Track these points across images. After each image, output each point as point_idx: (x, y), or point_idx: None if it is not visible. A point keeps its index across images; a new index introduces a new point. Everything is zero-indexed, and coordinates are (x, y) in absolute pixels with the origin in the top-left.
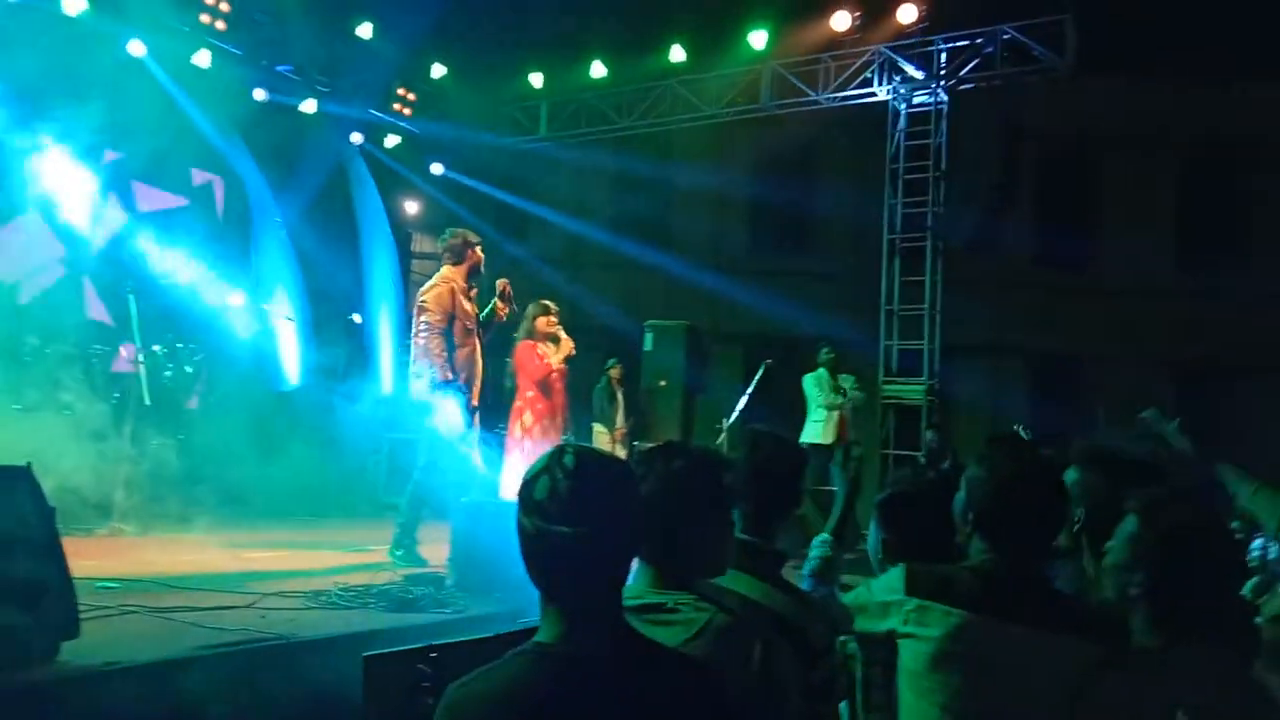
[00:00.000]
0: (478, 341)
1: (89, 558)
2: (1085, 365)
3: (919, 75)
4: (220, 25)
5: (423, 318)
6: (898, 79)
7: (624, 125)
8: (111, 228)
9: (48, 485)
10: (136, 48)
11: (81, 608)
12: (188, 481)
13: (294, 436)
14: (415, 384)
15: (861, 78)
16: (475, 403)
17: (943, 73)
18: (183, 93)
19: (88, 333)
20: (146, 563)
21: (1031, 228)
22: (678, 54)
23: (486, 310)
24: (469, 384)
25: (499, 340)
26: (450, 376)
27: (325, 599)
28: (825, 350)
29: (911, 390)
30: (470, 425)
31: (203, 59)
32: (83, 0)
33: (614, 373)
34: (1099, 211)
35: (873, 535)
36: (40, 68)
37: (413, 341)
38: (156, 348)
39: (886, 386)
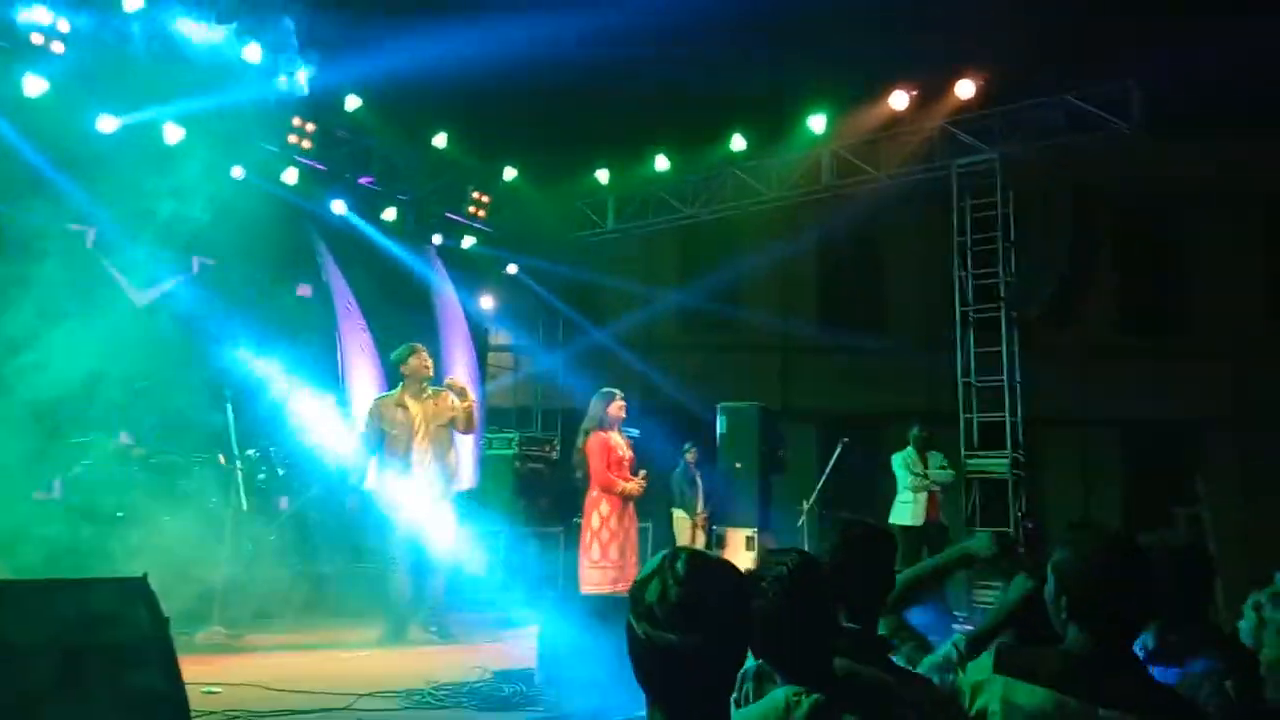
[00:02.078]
0: (414, 444)
1: (193, 662)
2: (1181, 432)
3: (981, 146)
4: (306, 144)
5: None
6: (959, 152)
7: (689, 213)
8: (211, 337)
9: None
10: (237, 171)
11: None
12: (282, 583)
13: (379, 534)
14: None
15: (922, 154)
16: (418, 497)
17: (1003, 143)
18: (272, 208)
19: (188, 439)
20: (246, 666)
21: (1111, 290)
22: (739, 143)
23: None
24: (406, 485)
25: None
26: (370, 485)
27: (419, 699)
28: (916, 428)
29: (995, 464)
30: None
31: (291, 176)
32: (180, 129)
33: (690, 456)
34: (1180, 269)
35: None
36: (145, 188)
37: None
38: (251, 452)
39: (970, 460)
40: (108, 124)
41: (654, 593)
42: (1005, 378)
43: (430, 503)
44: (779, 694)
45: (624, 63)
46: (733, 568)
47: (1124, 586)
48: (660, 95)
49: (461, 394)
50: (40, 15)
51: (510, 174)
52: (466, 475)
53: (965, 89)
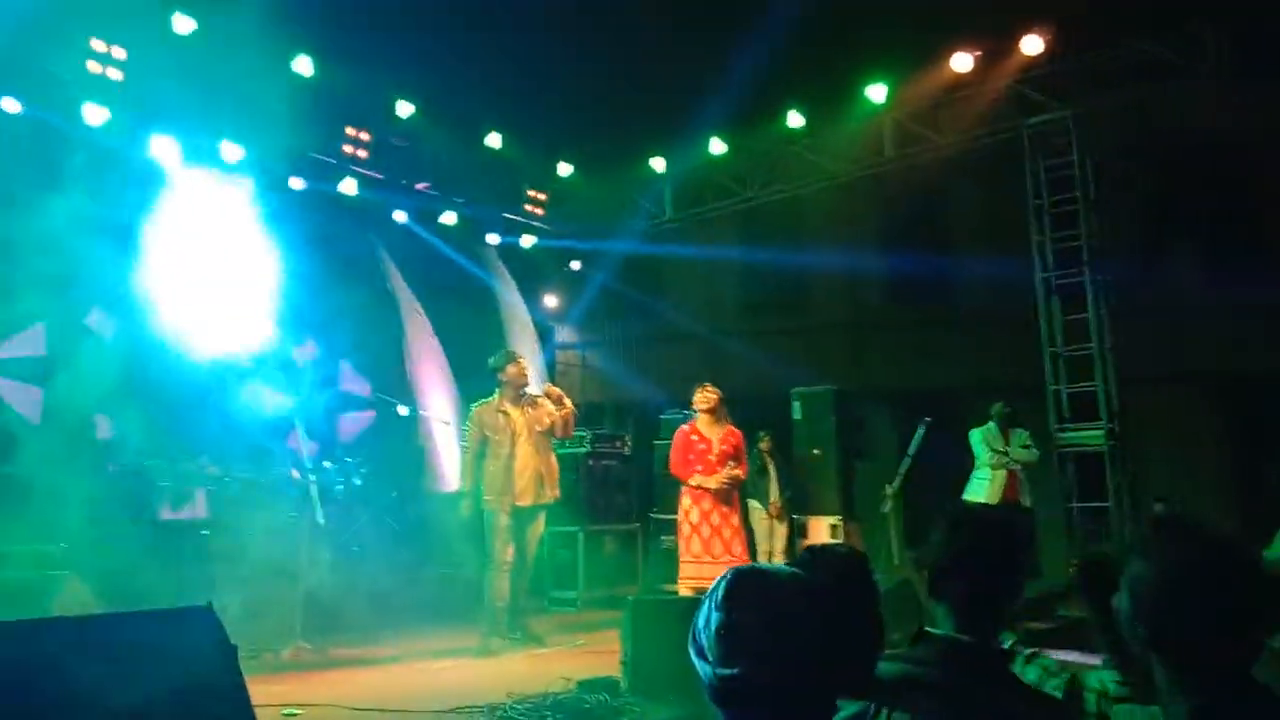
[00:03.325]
0: (508, 446)
1: (275, 682)
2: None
3: (1051, 104)
4: (362, 154)
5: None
6: (1028, 111)
7: (748, 196)
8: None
9: (234, 610)
10: (296, 183)
11: None
12: (364, 595)
13: (460, 539)
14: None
15: (989, 115)
16: (519, 503)
17: (1076, 98)
18: (331, 219)
19: (259, 456)
20: (329, 683)
21: (1199, 244)
22: (795, 119)
23: (547, 424)
24: (505, 488)
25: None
26: (465, 488)
27: (502, 713)
28: (999, 405)
29: (1090, 436)
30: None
31: (349, 186)
32: (240, 149)
33: (764, 445)
34: (1269, 217)
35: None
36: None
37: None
38: (327, 464)
39: (1060, 434)
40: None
41: (702, 619)
42: (1095, 344)
43: (529, 508)
44: None
45: (671, 46)
46: (784, 586)
47: (1223, 614)
48: (711, 76)
49: (559, 401)
50: (97, 44)
51: (565, 169)
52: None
53: (1032, 45)
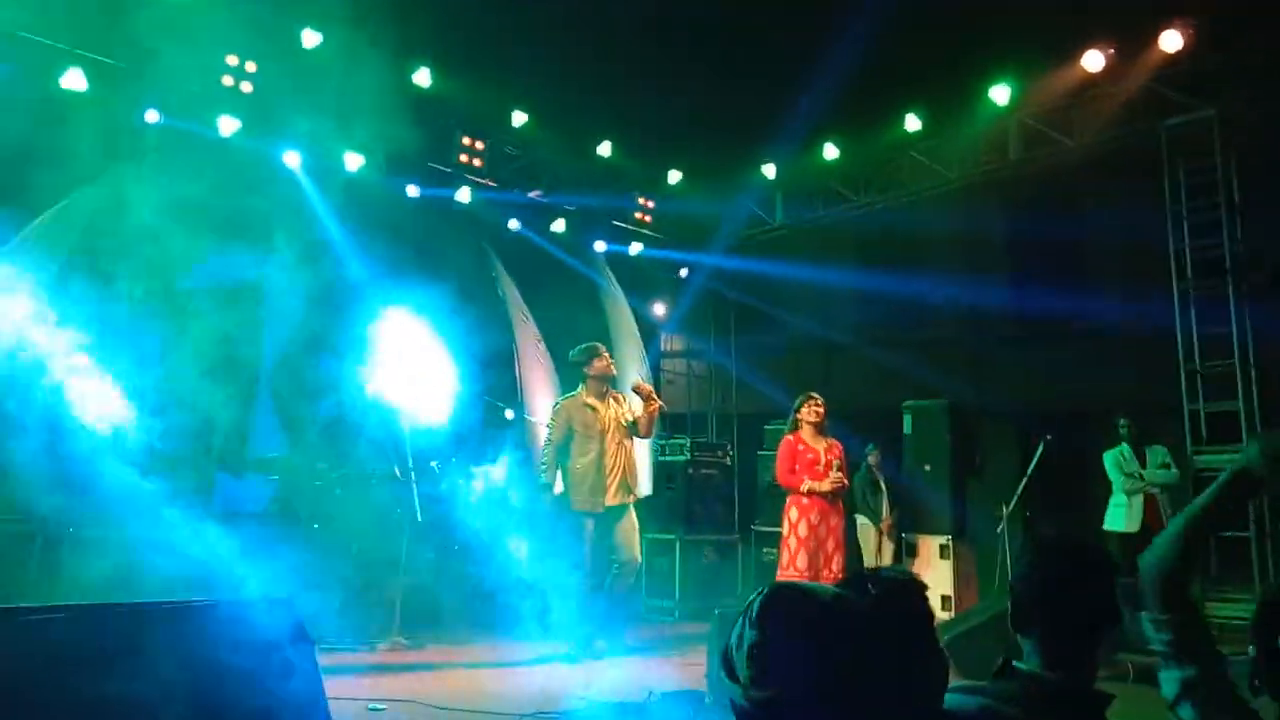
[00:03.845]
0: (598, 443)
1: (366, 675)
2: None
3: (1193, 103)
4: (477, 163)
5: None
6: (1167, 111)
7: (862, 202)
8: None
9: (331, 601)
10: (412, 190)
11: None
12: (465, 594)
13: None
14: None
15: (1123, 116)
16: (610, 502)
17: (1220, 97)
18: (447, 227)
19: (365, 453)
20: (417, 680)
21: None
22: (913, 123)
23: (629, 422)
24: (596, 487)
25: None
26: (548, 480)
27: None
28: (1123, 423)
29: (1230, 459)
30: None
31: (464, 195)
32: (360, 157)
33: (872, 459)
34: None
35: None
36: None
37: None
38: (434, 464)
39: (1198, 457)
40: (291, 159)
41: (734, 636)
42: (1237, 361)
43: (618, 507)
44: None
45: (782, 49)
46: (823, 605)
47: None
48: (824, 79)
49: (648, 397)
50: (231, 59)
51: (675, 177)
52: (643, 480)
53: (1171, 41)
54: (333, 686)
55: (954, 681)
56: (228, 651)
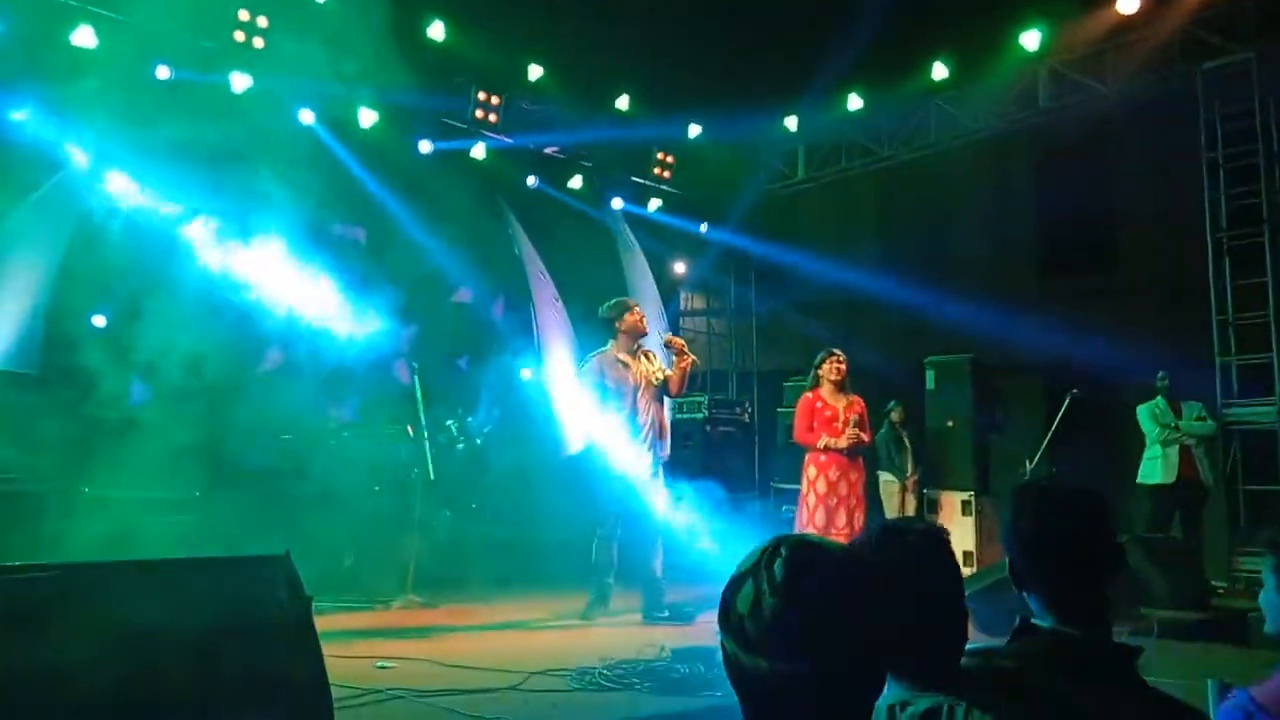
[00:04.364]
0: (633, 399)
1: (378, 633)
2: None
3: (1231, 46)
4: (492, 118)
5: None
6: (1204, 54)
7: (887, 155)
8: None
9: (349, 561)
10: (424, 146)
11: (354, 691)
12: (478, 552)
13: (577, 504)
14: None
15: (1158, 61)
16: (645, 459)
17: (1260, 38)
18: (463, 183)
19: (377, 410)
20: (430, 638)
21: None
22: (940, 71)
23: (660, 380)
24: (632, 443)
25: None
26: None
27: (590, 679)
28: (1161, 375)
29: (1261, 412)
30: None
31: (479, 151)
32: (374, 114)
33: (895, 416)
34: None
35: (1270, 588)
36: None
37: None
38: (450, 423)
39: (1228, 410)
40: (306, 116)
41: (745, 601)
42: (1271, 313)
43: (647, 467)
44: (880, 703)
45: None
46: (854, 564)
47: None
48: (848, 27)
49: (680, 352)
50: (243, 14)
51: (695, 131)
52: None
53: None
54: (341, 645)
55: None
56: (218, 609)
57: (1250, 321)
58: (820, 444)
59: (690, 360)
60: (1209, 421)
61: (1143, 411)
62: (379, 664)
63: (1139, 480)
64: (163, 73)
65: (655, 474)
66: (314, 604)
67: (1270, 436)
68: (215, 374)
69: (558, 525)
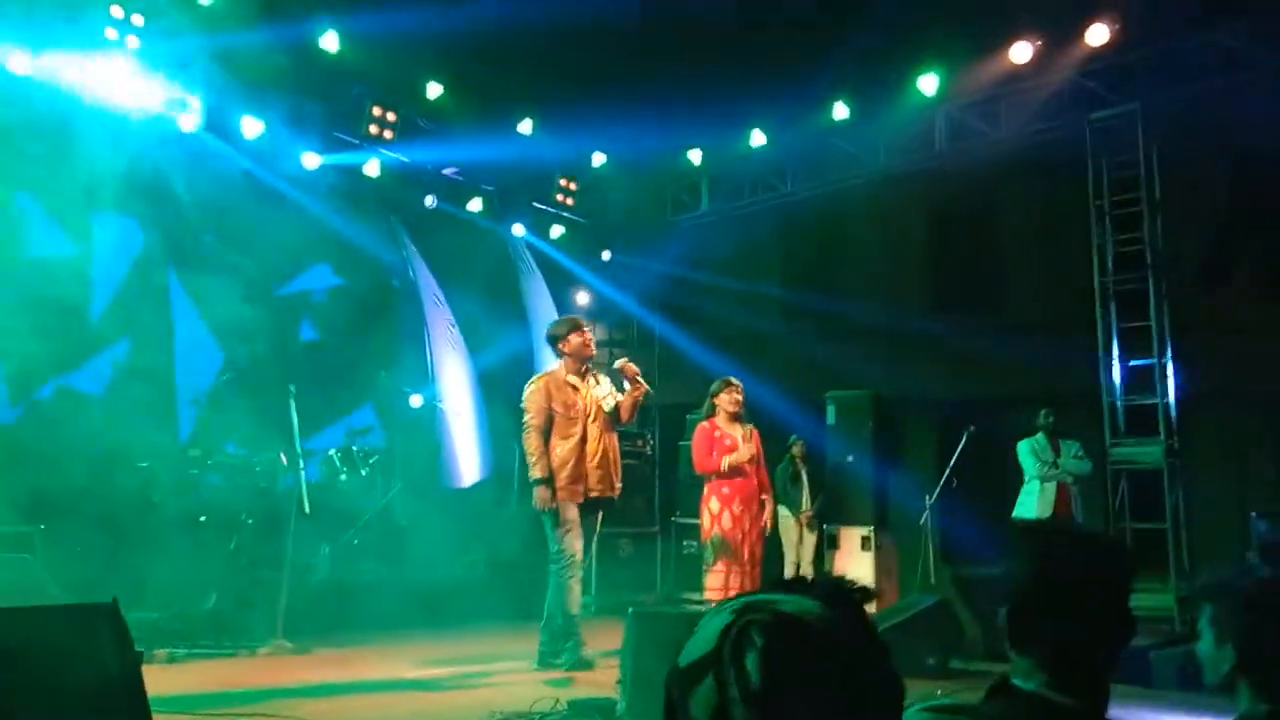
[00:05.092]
0: (589, 431)
1: (237, 682)
2: None
3: (1117, 98)
4: (388, 135)
5: (523, 417)
6: (1092, 105)
7: (788, 191)
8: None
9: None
10: (310, 159)
11: None
12: (356, 592)
13: (470, 537)
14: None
15: (1050, 109)
16: (603, 491)
17: (1145, 92)
18: (353, 200)
19: (248, 440)
20: (294, 695)
21: (1267, 255)
22: (841, 111)
23: (610, 407)
24: (576, 475)
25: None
26: (544, 474)
27: None
28: (1045, 413)
29: (1146, 453)
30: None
31: (373, 168)
32: (259, 124)
33: (796, 450)
34: None
35: (1208, 639)
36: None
37: None
38: (332, 452)
39: (1115, 449)
40: (188, 122)
41: (704, 705)
42: (1155, 356)
43: (596, 500)
44: None
45: (713, 33)
46: (827, 636)
47: None
48: (754, 65)
49: (634, 380)
50: (116, 11)
51: (599, 159)
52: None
53: (1098, 34)
54: (199, 695)
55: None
56: (23, 671)
57: (1136, 364)
58: (724, 464)
59: (644, 389)
60: (1086, 460)
61: (1023, 447)
62: None
63: (1014, 515)
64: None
65: (599, 508)
66: (170, 651)
67: (1156, 475)
68: (50, 389)
69: (447, 563)
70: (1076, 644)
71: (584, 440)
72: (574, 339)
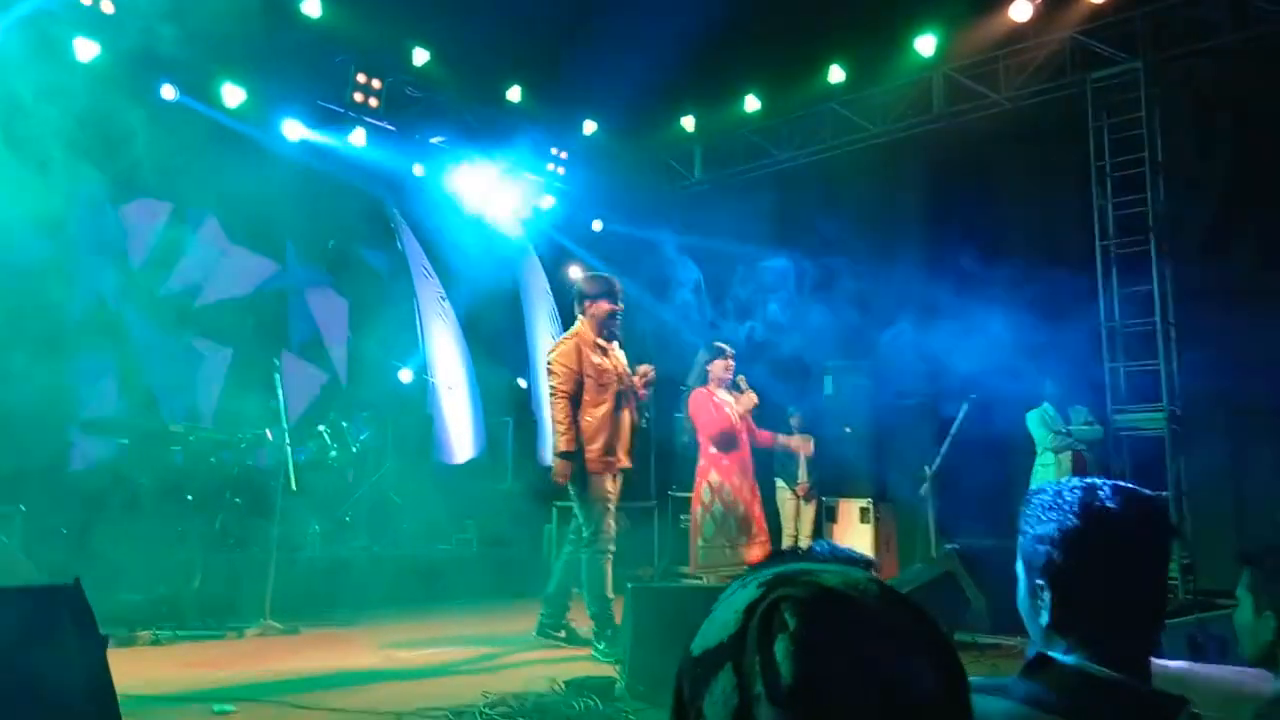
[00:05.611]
0: (617, 398)
1: (224, 665)
2: None
3: (1120, 56)
4: (373, 103)
5: (548, 381)
6: (1093, 64)
7: (784, 157)
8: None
9: (196, 582)
10: (292, 129)
11: None
12: (347, 570)
13: (463, 514)
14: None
15: (1049, 70)
16: (622, 463)
17: (1148, 50)
18: (339, 171)
19: (231, 415)
20: (284, 672)
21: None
22: (836, 74)
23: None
24: (610, 446)
25: (666, 393)
26: (571, 446)
27: (469, 718)
28: (1050, 382)
29: (1150, 419)
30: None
31: (358, 137)
32: (241, 92)
33: (794, 422)
34: None
35: (1247, 608)
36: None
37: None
38: (321, 428)
39: (1118, 416)
40: (168, 92)
41: (721, 704)
42: (1158, 320)
43: (622, 472)
44: None
45: None
46: (880, 617)
47: None
48: (747, 29)
49: (647, 383)
50: None
51: (590, 127)
52: None
53: None
54: (177, 683)
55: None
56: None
57: (1138, 328)
58: (734, 425)
59: (645, 394)
60: (1097, 426)
61: (1032, 417)
62: (218, 708)
63: (1032, 488)
64: None
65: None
66: (154, 633)
67: (1158, 443)
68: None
69: (440, 540)
70: (1126, 618)
71: (616, 409)
72: (603, 305)
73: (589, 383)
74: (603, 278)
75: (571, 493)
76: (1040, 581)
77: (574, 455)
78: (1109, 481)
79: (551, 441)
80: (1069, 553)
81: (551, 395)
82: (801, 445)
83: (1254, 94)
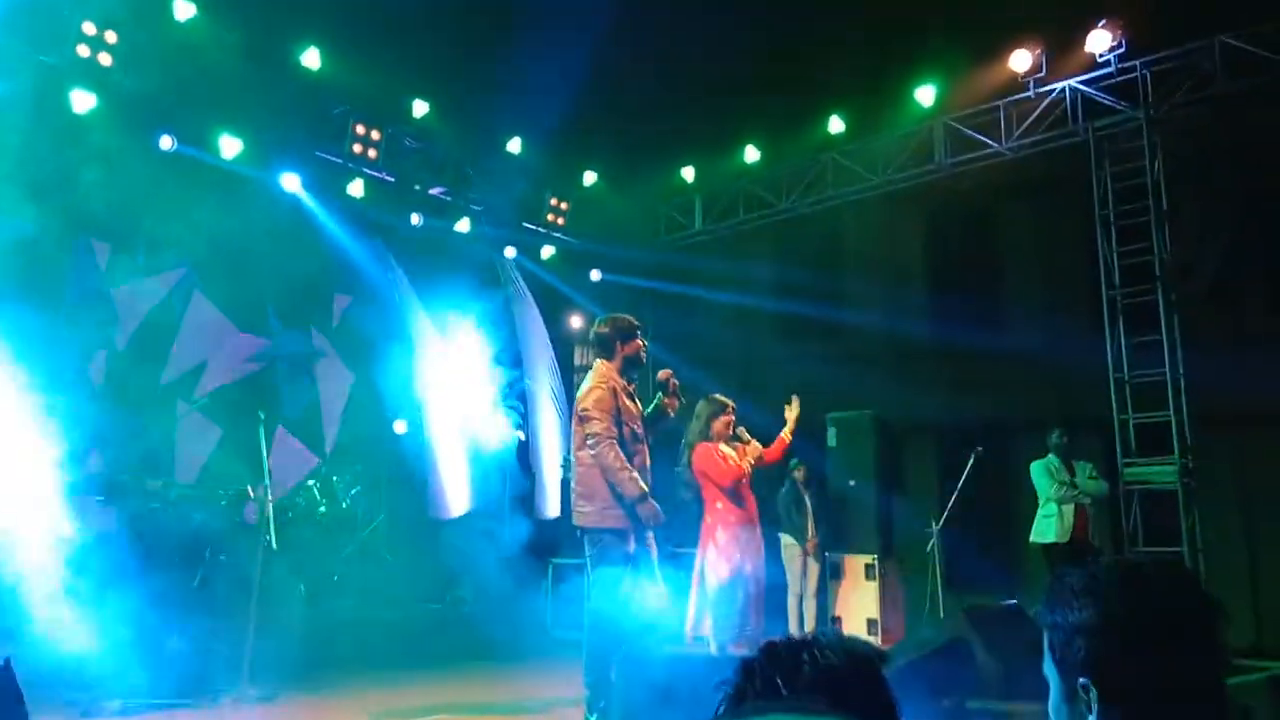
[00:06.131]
0: (645, 447)
1: None
2: None
3: (1122, 106)
4: (372, 154)
5: (587, 429)
6: (1095, 114)
7: (784, 208)
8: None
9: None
10: (290, 182)
11: None
12: (332, 632)
13: (457, 570)
14: (582, 507)
15: (1051, 120)
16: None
17: (1150, 99)
18: (337, 222)
19: (212, 471)
20: None
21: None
22: (836, 125)
23: (651, 407)
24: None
25: (661, 443)
26: (645, 489)
27: None
28: (1057, 433)
29: (1160, 472)
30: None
31: (356, 188)
32: (238, 142)
33: (798, 474)
34: None
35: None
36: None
37: (575, 458)
38: (311, 483)
39: (1128, 470)
40: (166, 142)
41: None
42: (1167, 371)
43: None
44: None
45: (705, 49)
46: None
47: None
48: (747, 80)
49: (674, 393)
50: (88, 27)
51: (590, 178)
52: None
53: (1100, 41)
54: None
55: None
56: None
57: (1147, 379)
58: (745, 463)
59: (676, 405)
60: (1103, 481)
61: (1037, 468)
62: None
63: (1032, 539)
64: None
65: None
66: (123, 702)
67: (1170, 497)
68: None
69: (431, 599)
70: (1178, 693)
71: (643, 457)
72: (636, 343)
73: (625, 430)
74: (625, 318)
75: (599, 559)
76: (1083, 681)
77: (649, 495)
78: (1138, 552)
79: (599, 493)
80: (1115, 641)
81: (597, 443)
82: (790, 411)
83: (1256, 141)
